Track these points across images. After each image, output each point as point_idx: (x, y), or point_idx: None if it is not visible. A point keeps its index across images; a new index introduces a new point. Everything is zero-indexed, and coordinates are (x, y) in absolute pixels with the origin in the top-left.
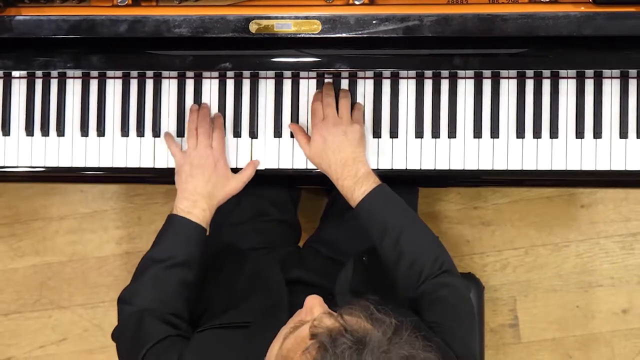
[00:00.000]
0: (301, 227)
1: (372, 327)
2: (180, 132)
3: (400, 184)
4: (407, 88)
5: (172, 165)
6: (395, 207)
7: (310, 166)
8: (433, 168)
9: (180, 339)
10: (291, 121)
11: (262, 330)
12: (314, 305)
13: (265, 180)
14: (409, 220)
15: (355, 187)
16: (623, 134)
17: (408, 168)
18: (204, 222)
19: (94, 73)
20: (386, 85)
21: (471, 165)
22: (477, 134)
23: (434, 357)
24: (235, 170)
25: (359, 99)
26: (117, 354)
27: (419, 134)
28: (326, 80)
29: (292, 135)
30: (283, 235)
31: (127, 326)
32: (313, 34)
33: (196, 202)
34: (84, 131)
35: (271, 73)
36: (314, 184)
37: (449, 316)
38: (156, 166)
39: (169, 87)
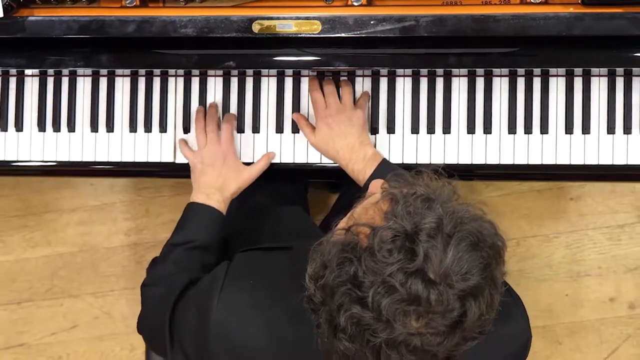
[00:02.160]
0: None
1: (441, 185)
2: (187, 128)
3: None
4: (403, 86)
5: (179, 160)
6: None
7: (311, 160)
8: (428, 162)
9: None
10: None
11: (305, 252)
12: (380, 182)
13: (267, 174)
14: None
15: (366, 169)
16: (610, 129)
17: (404, 162)
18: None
19: (104, 71)
20: (383, 83)
21: (465, 159)
22: (471, 129)
23: (492, 222)
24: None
25: (357, 97)
26: (145, 342)
27: (415, 129)
28: (326, 79)
29: (293, 131)
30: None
31: (151, 304)
32: (313, 34)
33: (210, 195)
34: (94, 127)
35: (273, 71)
36: (315, 177)
37: None
38: (163, 160)
39: (176, 85)
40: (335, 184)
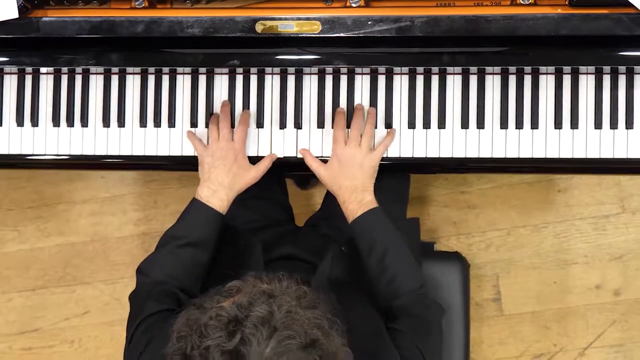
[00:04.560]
0: (292, 209)
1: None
2: (194, 123)
3: (394, 170)
4: (400, 83)
5: (185, 153)
6: (385, 227)
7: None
8: (424, 156)
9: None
10: (294, 112)
11: None
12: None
13: (270, 168)
14: (395, 241)
15: (358, 211)
16: (597, 125)
17: (401, 156)
18: (221, 210)
19: (115, 69)
20: (381, 80)
21: (459, 153)
22: (465, 125)
23: (337, 335)
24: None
25: (357, 94)
26: (129, 314)
27: (412, 125)
28: (357, 111)
29: (295, 127)
30: (276, 213)
31: (138, 294)
32: (314, 33)
33: (216, 192)
34: (106, 122)
35: (276, 69)
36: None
37: (416, 330)
38: (171, 154)
39: (183, 82)
40: None
